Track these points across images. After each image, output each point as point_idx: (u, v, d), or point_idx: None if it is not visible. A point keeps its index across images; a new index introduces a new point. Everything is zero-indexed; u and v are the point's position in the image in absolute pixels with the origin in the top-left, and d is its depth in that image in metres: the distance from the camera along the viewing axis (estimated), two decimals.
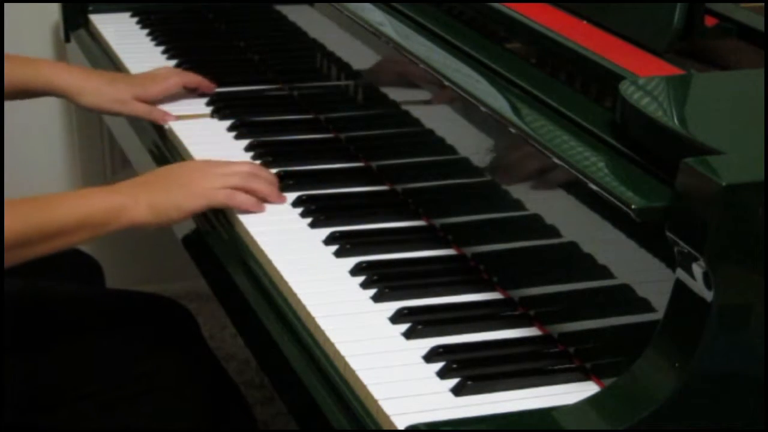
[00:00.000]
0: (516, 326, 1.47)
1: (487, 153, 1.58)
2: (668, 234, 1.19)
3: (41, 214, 1.58)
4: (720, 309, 1.16)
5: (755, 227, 1.15)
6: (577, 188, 1.37)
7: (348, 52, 1.95)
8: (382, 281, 1.54)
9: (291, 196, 1.78)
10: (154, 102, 2.05)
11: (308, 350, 1.44)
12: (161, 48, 2.37)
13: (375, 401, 1.31)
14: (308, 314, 1.48)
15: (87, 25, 2.51)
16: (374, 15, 1.84)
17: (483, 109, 1.52)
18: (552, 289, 1.48)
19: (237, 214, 1.71)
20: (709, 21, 1.53)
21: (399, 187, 1.81)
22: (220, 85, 2.16)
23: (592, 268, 1.38)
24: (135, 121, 2.11)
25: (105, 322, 1.84)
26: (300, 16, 2.17)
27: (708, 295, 1.16)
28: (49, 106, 2.74)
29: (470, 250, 1.62)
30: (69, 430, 1.72)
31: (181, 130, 2.00)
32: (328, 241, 1.66)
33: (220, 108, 2.08)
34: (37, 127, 2.78)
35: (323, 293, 1.53)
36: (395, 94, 1.81)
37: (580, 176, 1.32)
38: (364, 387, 1.33)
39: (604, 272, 1.36)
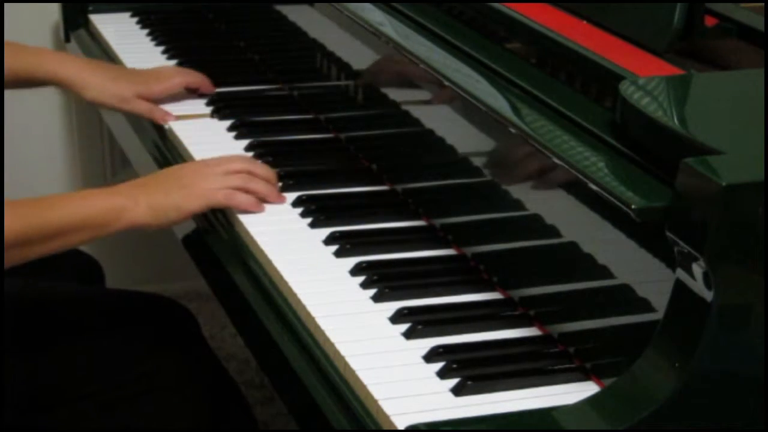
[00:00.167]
0: (516, 326, 1.47)
1: (487, 153, 1.58)
2: (668, 234, 1.19)
3: (41, 214, 1.58)
4: (720, 309, 1.16)
5: (755, 227, 1.15)
6: (577, 188, 1.37)
7: (348, 52, 1.95)
8: (382, 281, 1.54)
9: (291, 196, 1.78)
10: (156, 100, 2.05)
11: (308, 350, 1.44)
12: (161, 48, 2.37)
13: (375, 401, 1.31)
14: (308, 314, 1.48)
15: (87, 25, 2.51)
16: (374, 15, 1.84)
17: (483, 109, 1.52)
18: (552, 289, 1.48)
19: (237, 214, 1.71)
20: (709, 21, 1.53)
21: (399, 187, 1.81)
22: (220, 85, 2.16)
23: (592, 268, 1.38)
24: (135, 121, 2.11)
25: (105, 322, 1.84)
26: (300, 16, 2.17)
27: (708, 295, 1.16)
28: (49, 106, 2.74)
29: (470, 250, 1.62)
30: (69, 430, 1.72)
31: (181, 130, 2.00)
32: (328, 241, 1.66)
33: (220, 108, 2.08)
34: (37, 127, 2.78)
35: (323, 293, 1.53)
36: (395, 94, 1.81)
37: (580, 176, 1.32)
38: (364, 387, 1.33)
39: (604, 272, 1.36)
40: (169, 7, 2.57)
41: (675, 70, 1.45)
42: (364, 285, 1.55)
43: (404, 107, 1.78)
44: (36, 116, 2.73)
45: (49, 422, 1.72)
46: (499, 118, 1.50)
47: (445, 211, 1.69)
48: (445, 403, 1.31)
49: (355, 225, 1.70)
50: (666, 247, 1.21)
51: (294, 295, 1.52)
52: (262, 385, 2.71)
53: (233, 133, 2.00)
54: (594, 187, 1.30)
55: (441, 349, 1.39)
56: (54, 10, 2.61)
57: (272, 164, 1.87)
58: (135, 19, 2.52)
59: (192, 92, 2.12)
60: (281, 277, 1.56)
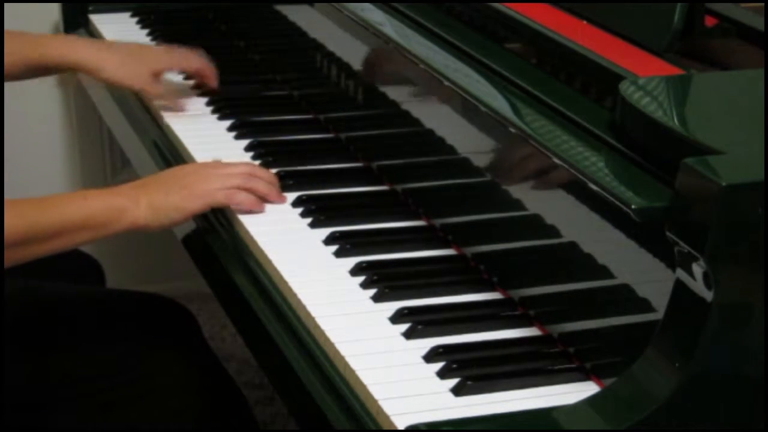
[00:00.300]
0: (516, 326, 1.47)
1: (487, 153, 1.58)
2: (668, 234, 1.19)
3: (41, 214, 1.58)
4: (720, 309, 1.17)
5: (755, 227, 1.15)
6: (577, 188, 1.37)
7: (348, 52, 1.95)
8: (382, 281, 1.54)
9: (291, 196, 1.78)
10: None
11: (308, 350, 1.44)
12: None
13: (375, 401, 1.31)
14: (308, 314, 1.48)
15: (87, 25, 2.51)
16: (374, 15, 1.84)
17: (483, 109, 1.52)
18: (552, 289, 1.48)
19: (237, 214, 1.71)
20: (709, 21, 1.53)
21: (399, 187, 1.81)
22: (220, 85, 2.16)
23: (592, 268, 1.38)
24: (135, 121, 2.11)
25: (105, 322, 1.84)
26: (300, 16, 2.17)
27: (708, 295, 1.16)
28: (49, 105, 2.74)
29: (470, 250, 1.62)
30: (69, 430, 1.72)
31: (182, 130, 2.00)
32: (328, 241, 1.66)
33: (220, 108, 2.08)
34: (37, 127, 2.78)
35: (323, 293, 1.53)
36: (395, 94, 1.81)
37: (580, 176, 1.32)
38: (364, 387, 1.33)
39: (604, 272, 1.36)
40: (169, 7, 2.57)
41: (675, 70, 1.45)
42: (364, 285, 1.55)
43: (404, 107, 1.78)
44: (36, 116, 2.73)
45: (49, 422, 1.72)
46: (499, 118, 1.50)
47: (445, 211, 1.69)
48: (445, 403, 1.31)
49: (355, 225, 1.70)
50: (666, 247, 1.21)
51: (294, 295, 1.52)
52: (262, 385, 2.71)
53: (233, 133, 2.01)
54: (594, 187, 1.30)
55: (441, 349, 1.39)
56: (54, 10, 2.61)
57: (272, 164, 1.87)
58: (135, 19, 2.52)
59: (196, 82, 2.12)
60: (281, 277, 1.56)
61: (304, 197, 1.77)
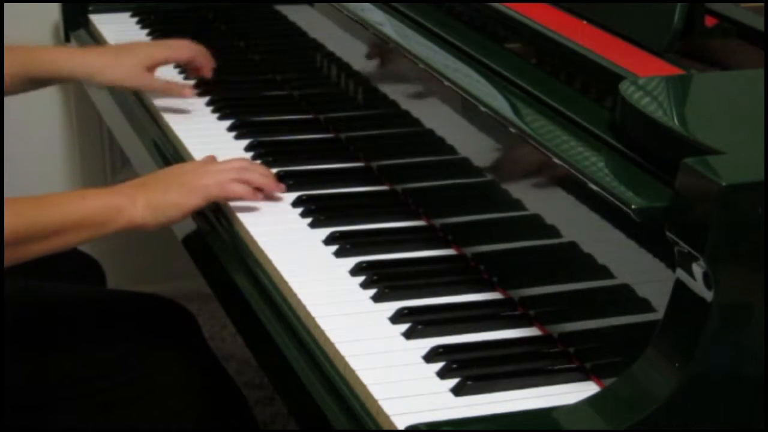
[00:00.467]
0: (516, 326, 1.47)
1: (487, 153, 1.58)
2: (668, 234, 1.19)
3: (39, 212, 1.58)
4: (720, 309, 1.16)
5: (755, 227, 1.15)
6: (577, 188, 1.37)
7: (348, 52, 1.95)
8: (382, 281, 1.54)
9: (291, 196, 1.78)
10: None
11: (308, 350, 1.44)
12: None
13: (375, 401, 1.31)
14: (308, 314, 1.48)
15: (87, 25, 2.52)
16: (374, 15, 1.84)
17: (483, 109, 1.52)
18: (552, 289, 1.48)
19: (237, 214, 1.71)
20: (709, 21, 1.53)
21: (399, 187, 1.81)
22: (220, 85, 2.16)
23: (592, 268, 1.38)
24: (135, 121, 2.11)
25: (105, 323, 1.84)
26: (300, 16, 2.17)
27: (708, 295, 1.16)
28: (50, 106, 2.74)
29: (470, 250, 1.62)
30: (69, 430, 1.72)
31: (181, 130, 2.00)
32: (328, 241, 1.66)
33: (220, 108, 2.08)
34: (37, 127, 2.78)
35: (323, 293, 1.53)
36: (395, 94, 1.81)
37: (580, 176, 1.32)
38: (364, 387, 1.33)
39: (604, 272, 1.36)
40: (169, 7, 2.57)
41: (675, 70, 1.45)
42: (364, 285, 1.55)
43: (404, 107, 1.78)
44: (36, 116, 2.73)
45: (49, 422, 1.72)
46: (499, 118, 1.50)
47: (445, 211, 1.69)
48: (445, 403, 1.31)
49: (355, 225, 1.70)
50: (666, 247, 1.21)
51: (294, 295, 1.52)
52: (262, 385, 2.71)
53: (233, 133, 2.01)
54: (594, 187, 1.30)
55: (441, 349, 1.39)
56: (54, 10, 2.61)
57: (272, 164, 1.87)
58: (135, 19, 2.52)
59: (192, 71, 2.12)
60: (281, 277, 1.56)
61: (304, 197, 1.77)
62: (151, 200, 1.64)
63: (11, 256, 1.55)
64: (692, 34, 1.50)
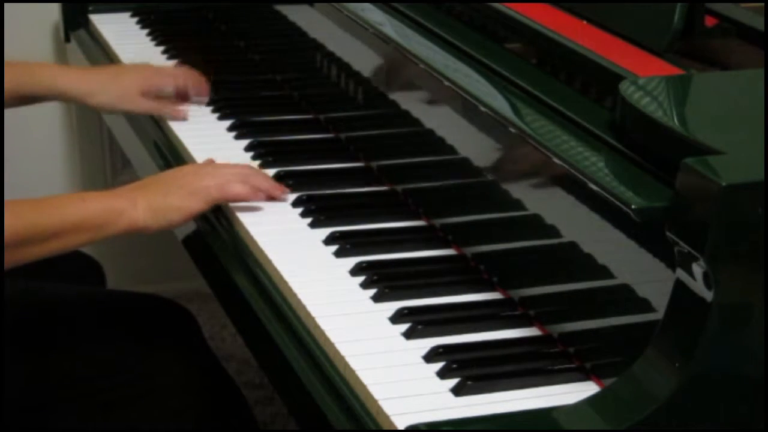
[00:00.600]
0: (516, 326, 1.47)
1: (487, 153, 1.58)
2: (668, 234, 1.19)
3: (39, 214, 1.58)
4: (720, 309, 1.16)
5: (755, 227, 1.15)
6: (577, 188, 1.37)
7: (348, 52, 1.95)
8: (382, 281, 1.54)
9: (291, 196, 1.78)
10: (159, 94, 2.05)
11: (308, 350, 1.44)
12: (161, 48, 2.37)
13: (375, 401, 1.31)
14: (308, 314, 1.48)
15: (87, 25, 2.51)
16: (374, 15, 1.84)
17: (483, 109, 1.52)
18: (552, 289, 1.48)
19: (237, 214, 1.71)
20: (709, 21, 1.53)
21: (399, 187, 1.81)
22: (220, 85, 2.16)
23: (592, 268, 1.38)
24: (135, 121, 2.11)
25: (105, 323, 1.84)
26: (300, 16, 2.17)
27: (708, 295, 1.16)
28: (49, 106, 2.73)
29: (470, 250, 1.62)
30: (69, 430, 1.72)
31: (181, 130, 2.00)
32: (328, 241, 1.66)
33: (220, 108, 2.08)
34: (37, 127, 2.78)
35: (323, 293, 1.53)
36: (395, 94, 1.81)
37: (580, 176, 1.32)
38: (364, 387, 1.33)
39: (604, 272, 1.36)
40: (169, 7, 2.57)
41: (675, 70, 1.45)
42: (364, 285, 1.55)
43: (404, 107, 1.78)
44: (36, 116, 2.73)
45: (49, 422, 1.72)
46: (499, 118, 1.50)
47: (445, 211, 1.69)
48: (445, 403, 1.31)
49: (355, 225, 1.70)
50: (666, 247, 1.21)
51: (294, 295, 1.52)
52: (262, 385, 2.71)
53: (233, 133, 2.01)
54: (594, 187, 1.30)
55: (441, 349, 1.39)
56: (54, 10, 2.61)
57: (272, 164, 1.87)
58: (135, 19, 2.52)
59: (183, 98, 2.11)
60: (281, 277, 1.56)
61: (304, 197, 1.77)
62: (152, 203, 1.64)
63: (10, 259, 1.55)
64: (692, 34, 1.50)
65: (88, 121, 2.78)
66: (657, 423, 1.19)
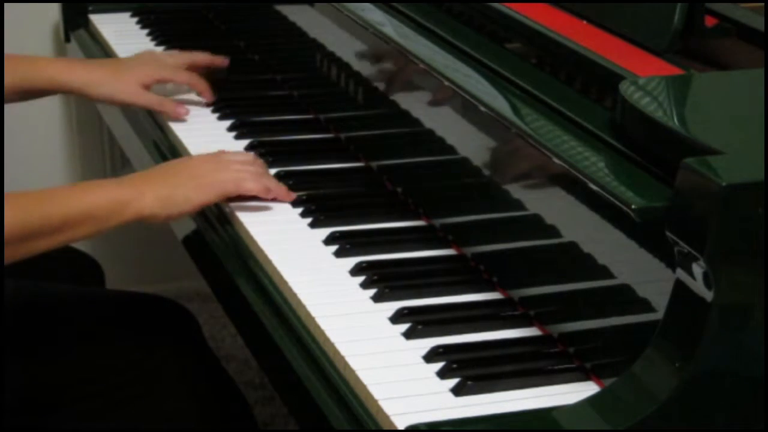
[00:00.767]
0: (516, 326, 1.47)
1: (487, 153, 1.58)
2: (668, 234, 1.19)
3: (43, 207, 1.57)
4: (720, 309, 1.16)
5: (755, 227, 1.15)
6: (577, 188, 1.37)
7: (348, 52, 1.95)
8: (382, 281, 1.54)
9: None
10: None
11: (308, 350, 1.44)
12: (161, 48, 2.37)
13: (375, 401, 1.31)
14: (308, 314, 1.48)
15: (87, 25, 2.51)
16: (374, 15, 1.84)
17: (483, 109, 1.52)
18: (552, 289, 1.48)
19: (237, 214, 1.71)
20: (709, 21, 1.53)
21: (399, 187, 1.81)
22: (220, 85, 2.16)
23: (592, 268, 1.38)
24: (135, 121, 2.11)
25: (105, 323, 1.84)
26: (300, 16, 2.17)
27: (708, 295, 1.16)
28: (49, 105, 2.74)
29: (470, 250, 1.62)
30: (69, 430, 1.72)
31: (181, 130, 2.00)
32: (328, 241, 1.66)
33: (220, 108, 2.08)
34: (37, 127, 2.78)
35: (323, 293, 1.53)
36: (395, 94, 1.81)
37: (580, 176, 1.32)
38: (364, 387, 1.33)
39: (604, 272, 1.36)
40: (169, 7, 2.56)
41: (675, 70, 1.45)
42: (364, 285, 1.55)
43: (404, 107, 1.78)
44: (36, 116, 2.74)
45: (49, 422, 1.72)
46: (499, 118, 1.50)
47: (445, 211, 1.69)
48: (445, 403, 1.31)
49: (355, 225, 1.70)
50: (666, 247, 1.21)
51: (294, 295, 1.52)
52: (262, 385, 2.71)
53: (233, 133, 2.01)
54: (594, 187, 1.30)
55: (441, 349, 1.39)
56: (54, 10, 2.61)
57: (272, 164, 1.87)
58: (135, 19, 2.52)
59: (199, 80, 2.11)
60: (281, 277, 1.56)
61: (304, 197, 1.77)
62: (160, 193, 1.63)
63: (15, 253, 1.54)
64: (692, 34, 1.50)
65: (88, 120, 2.78)
66: (657, 423, 1.19)
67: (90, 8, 2.52)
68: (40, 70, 2.01)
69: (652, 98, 1.36)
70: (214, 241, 1.72)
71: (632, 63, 1.46)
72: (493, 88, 1.56)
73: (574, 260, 1.40)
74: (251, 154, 1.83)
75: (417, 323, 1.45)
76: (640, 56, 1.50)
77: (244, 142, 1.97)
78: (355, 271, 1.58)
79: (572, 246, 1.41)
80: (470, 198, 1.63)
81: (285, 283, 1.55)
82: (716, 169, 1.15)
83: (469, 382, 1.33)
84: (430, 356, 1.39)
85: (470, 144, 1.61)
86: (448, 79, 1.60)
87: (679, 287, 1.20)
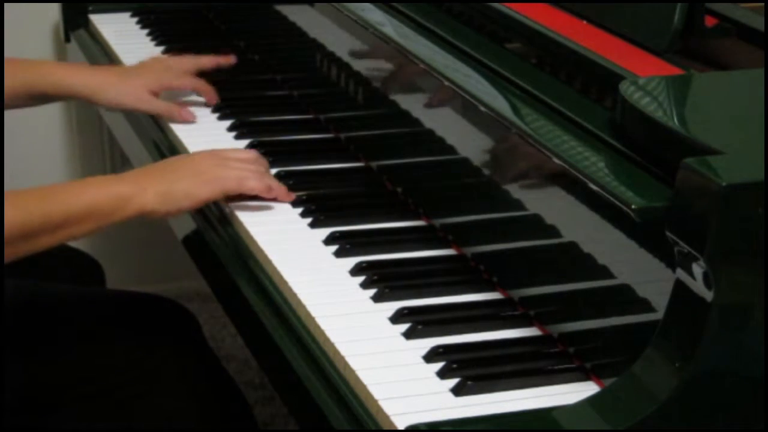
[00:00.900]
0: (516, 326, 1.47)
1: (487, 153, 1.58)
2: (668, 234, 1.19)
3: (44, 204, 1.57)
4: (720, 309, 1.16)
5: (755, 227, 1.15)
6: (577, 188, 1.37)
7: (348, 52, 1.95)
8: (382, 281, 1.54)
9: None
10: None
11: (308, 350, 1.44)
12: (161, 48, 2.37)
13: (375, 401, 1.31)
14: (308, 314, 1.48)
15: (87, 25, 2.51)
16: (374, 15, 1.84)
17: (483, 109, 1.53)
18: (552, 289, 1.48)
19: (237, 214, 1.71)
20: (709, 21, 1.53)
21: (399, 187, 1.81)
22: (221, 85, 2.16)
23: (592, 268, 1.38)
24: (135, 121, 2.11)
25: (105, 323, 1.84)
26: (300, 16, 2.17)
27: (708, 295, 1.16)
28: (49, 106, 2.73)
29: (470, 250, 1.62)
30: (69, 430, 1.72)
31: (181, 130, 2.00)
32: (328, 241, 1.66)
33: (220, 108, 2.08)
34: (37, 127, 2.78)
35: (323, 293, 1.53)
36: (395, 94, 1.81)
37: (580, 176, 1.32)
38: (364, 387, 1.33)
39: (604, 272, 1.36)
40: (169, 7, 2.57)
41: (675, 70, 1.45)
42: (364, 285, 1.55)
43: (404, 107, 1.78)
44: (36, 116, 2.73)
45: (49, 422, 1.72)
46: (499, 118, 1.50)
47: (445, 211, 1.69)
48: (445, 403, 1.31)
49: (355, 225, 1.70)
50: (666, 247, 1.21)
51: (294, 295, 1.52)
52: (262, 385, 2.71)
53: (233, 133, 2.01)
54: (594, 187, 1.30)
55: (441, 349, 1.39)
56: (54, 10, 2.61)
57: (272, 164, 1.87)
58: (135, 19, 2.52)
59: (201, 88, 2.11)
60: (281, 277, 1.56)
61: (304, 197, 1.77)
62: (161, 188, 1.63)
63: (16, 251, 1.54)
64: (692, 34, 1.50)
65: (88, 120, 2.78)
66: (657, 423, 1.19)
67: (90, 8, 2.52)
68: (45, 74, 2.01)
69: (652, 98, 1.36)
70: (214, 241, 1.72)
71: (632, 63, 1.46)
72: (493, 88, 1.56)
73: (574, 260, 1.40)
74: (253, 152, 1.83)
75: (417, 323, 1.45)
76: (640, 56, 1.50)
77: (244, 142, 1.97)
78: (355, 271, 1.58)
79: (572, 246, 1.41)
80: (470, 198, 1.63)
81: (285, 283, 1.55)
82: (716, 169, 1.15)
83: (469, 382, 1.33)
84: (430, 356, 1.39)
85: (470, 144, 1.61)
86: (448, 79, 1.60)
87: (679, 287, 1.20)
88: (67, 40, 2.54)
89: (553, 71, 1.57)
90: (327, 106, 2.06)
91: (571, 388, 1.35)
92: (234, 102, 2.11)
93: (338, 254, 1.63)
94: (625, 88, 1.35)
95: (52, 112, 2.78)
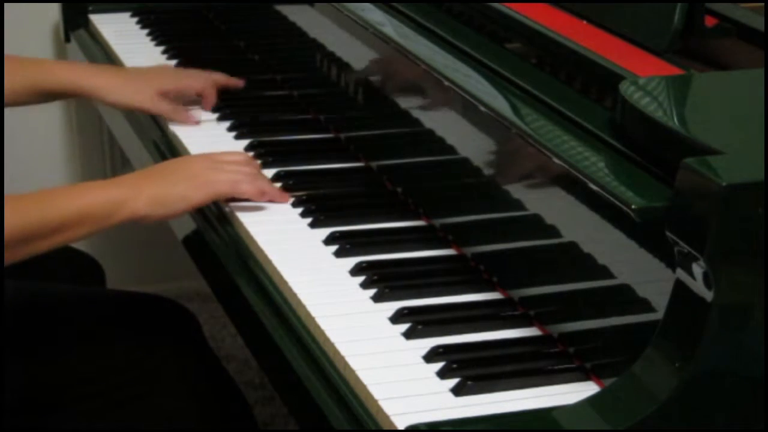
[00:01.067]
0: (516, 326, 1.47)
1: (487, 153, 1.58)
2: (668, 234, 1.19)
3: (41, 208, 1.58)
4: (720, 309, 1.16)
5: (755, 227, 1.15)
6: (577, 188, 1.37)
7: (348, 52, 1.95)
8: (382, 281, 1.54)
9: (291, 196, 1.78)
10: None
11: (308, 350, 1.44)
12: (161, 48, 2.37)
13: (375, 401, 1.31)
14: (308, 314, 1.48)
15: (87, 25, 2.51)
16: (374, 15, 1.84)
17: (483, 109, 1.53)
18: (552, 289, 1.48)
19: (237, 214, 1.71)
20: (709, 21, 1.53)
21: (399, 187, 1.81)
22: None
23: (592, 268, 1.38)
24: (135, 121, 2.11)
25: (105, 323, 1.84)
26: (300, 16, 2.17)
27: (708, 295, 1.16)
28: (49, 106, 2.73)
29: (470, 250, 1.62)
30: (69, 430, 1.72)
31: (181, 130, 2.00)
32: (328, 241, 1.66)
33: (220, 108, 2.08)
34: (37, 127, 2.78)
35: (323, 293, 1.53)
36: (395, 94, 1.81)
37: (580, 176, 1.32)
38: (364, 387, 1.33)
39: (604, 272, 1.36)
40: (169, 7, 2.57)
41: (675, 70, 1.45)
42: (364, 285, 1.55)
43: (404, 107, 1.78)
44: (36, 116, 2.74)
45: (49, 422, 1.72)
46: (499, 118, 1.50)
47: (445, 211, 1.69)
48: (445, 403, 1.31)
49: (355, 225, 1.70)
50: (666, 247, 1.21)
51: (294, 295, 1.52)
52: (262, 385, 2.71)
53: (233, 133, 2.01)
54: (594, 187, 1.30)
55: (441, 349, 1.39)
56: (54, 10, 2.61)
57: (272, 164, 1.87)
58: (135, 19, 2.52)
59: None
60: (281, 277, 1.56)
61: (304, 197, 1.77)
62: (156, 192, 1.63)
63: (14, 255, 1.55)
64: (692, 34, 1.50)
65: (88, 120, 2.78)
66: (657, 423, 1.19)
67: (90, 8, 2.52)
68: (50, 72, 2.01)
69: (652, 98, 1.36)
70: (214, 241, 1.72)
71: (632, 63, 1.46)
72: (493, 88, 1.56)
73: (574, 260, 1.40)
74: (245, 154, 1.83)
75: (417, 323, 1.45)
76: (640, 56, 1.50)
77: (244, 142, 1.97)
78: (355, 271, 1.58)
79: (572, 246, 1.41)
80: (470, 198, 1.63)
81: (285, 283, 1.55)
82: (716, 169, 1.15)
83: (469, 382, 1.33)
84: (430, 356, 1.39)
85: (470, 144, 1.61)
86: (448, 79, 1.60)
87: (679, 287, 1.20)
88: (67, 40, 2.54)
89: (553, 71, 1.57)
90: (327, 106, 2.06)
91: (571, 388, 1.35)
92: (234, 102, 2.11)
93: (338, 254, 1.63)
94: (625, 88, 1.35)
95: (52, 112, 2.78)
